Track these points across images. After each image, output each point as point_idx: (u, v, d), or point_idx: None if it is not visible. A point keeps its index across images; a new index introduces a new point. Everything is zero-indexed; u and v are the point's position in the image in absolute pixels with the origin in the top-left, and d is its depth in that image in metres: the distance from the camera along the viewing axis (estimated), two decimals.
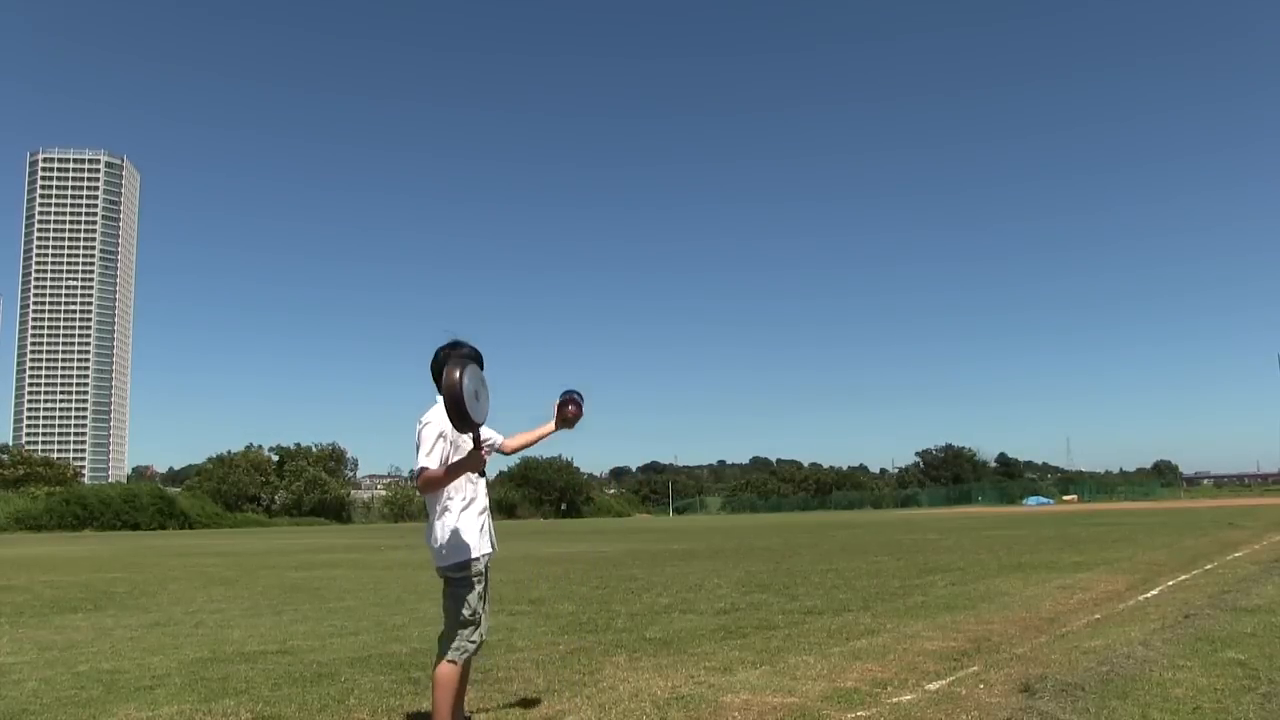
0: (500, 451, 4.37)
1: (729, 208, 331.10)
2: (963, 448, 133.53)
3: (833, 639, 6.92)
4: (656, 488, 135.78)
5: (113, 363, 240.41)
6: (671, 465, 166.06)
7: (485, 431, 3.95)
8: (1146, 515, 37.86)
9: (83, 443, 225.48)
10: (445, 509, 4.00)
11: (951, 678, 5.33)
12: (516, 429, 4.53)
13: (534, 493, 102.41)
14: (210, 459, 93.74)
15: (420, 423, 3.97)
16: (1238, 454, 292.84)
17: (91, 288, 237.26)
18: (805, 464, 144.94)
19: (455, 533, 3.98)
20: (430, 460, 3.88)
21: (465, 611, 3.99)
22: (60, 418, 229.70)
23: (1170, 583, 10.37)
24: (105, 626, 8.88)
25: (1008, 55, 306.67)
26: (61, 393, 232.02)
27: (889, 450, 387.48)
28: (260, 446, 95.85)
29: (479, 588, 4.02)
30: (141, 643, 7.67)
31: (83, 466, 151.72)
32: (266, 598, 11.53)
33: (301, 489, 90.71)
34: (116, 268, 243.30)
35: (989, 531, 26.17)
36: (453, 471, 3.88)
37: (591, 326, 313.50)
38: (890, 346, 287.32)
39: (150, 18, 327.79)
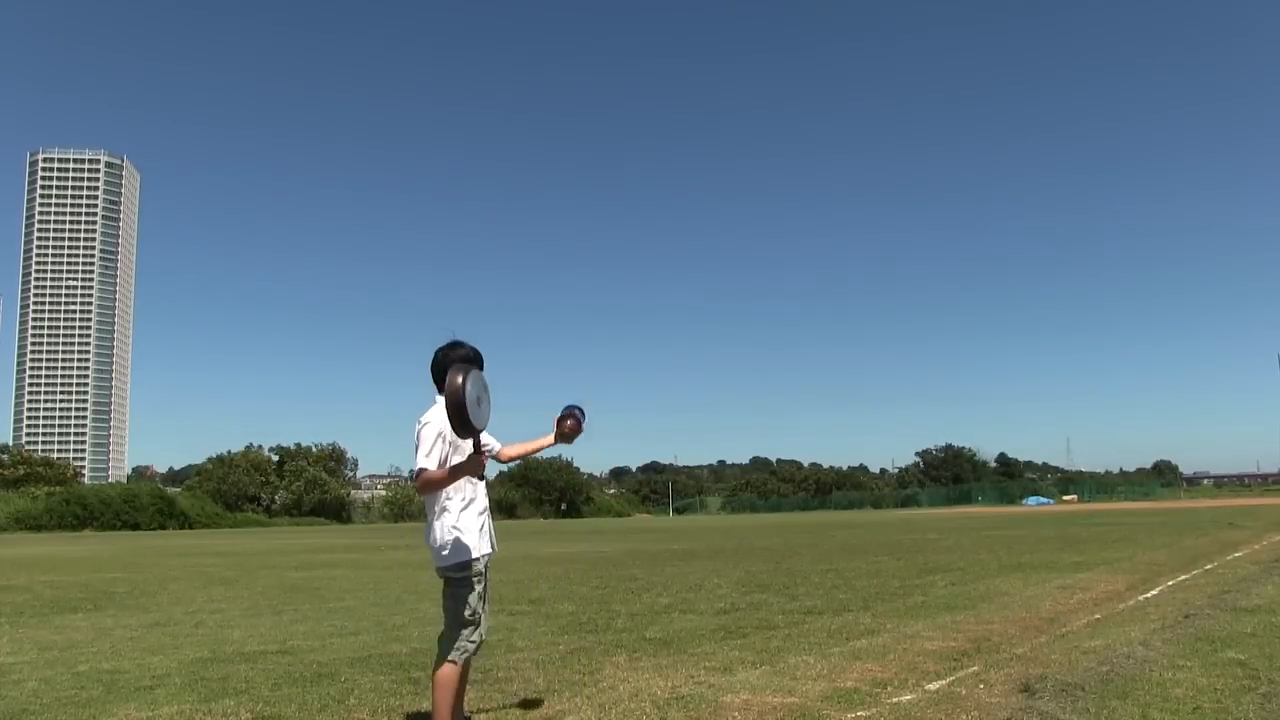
0: (496, 459, 4.36)
1: (729, 208, 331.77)
2: (963, 448, 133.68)
3: (833, 639, 6.92)
4: (656, 488, 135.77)
5: (113, 363, 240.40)
6: (671, 465, 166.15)
7: (484, 438, 3.95)
8: (1146, 515, 37.85)
9: (83, 443, 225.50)
10: (444, 509, 4.00)
11: (951, 678, 5.33)
12: (515, 429, 4.53)
13: (534, 493, 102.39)
14: (210, 459, 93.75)
15: (419, 423, 3.97)
16: (1238, 454, 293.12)
17: (91, 288, 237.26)
18: (805, 464, 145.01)
19: (455, 533, 3.98)
20: (429, 461, 3.88)
21: (465, 612, 3.99)
22: (60, 418, 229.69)
23: (1170, 583, 10.37)
24: (105, 626, 8.88)
25: (1008, 55, 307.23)
26: (61, 393, 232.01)
27: (889, 450, 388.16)
28: (260, 446, 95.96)
29: (479, 588, 4.02)
30: (141, 643, 7.67)
31: (83, 466, 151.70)
32: (266, 598, 11.53)
33: (301, 489, 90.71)
34: (116, 268, 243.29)
35: (989, 531, 26.17)
36: (452, 475, 3.88)
37: (591, 326, 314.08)
38: (890, 346, 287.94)
39: (150, 18, 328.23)
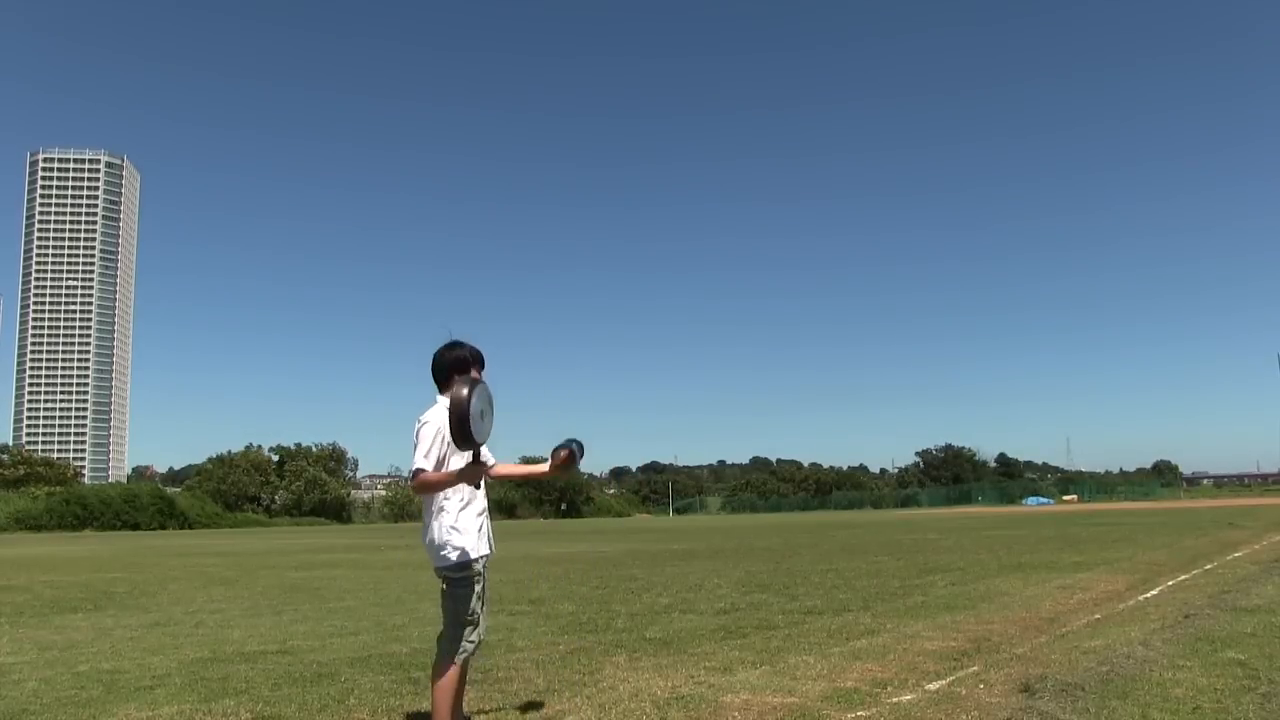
0: (486, 474, 4.36)
1: (729, 207, 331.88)
2: (963, 448, 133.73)
3: (833, 639, 6.92)
4: (656, 488, 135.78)
5: (113, 363, 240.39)
6: (671, 465, 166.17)
7: (482, 452, 3.95)
8: (1146, 515, 37.85)
9: (83, 443, 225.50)
10: (442, 509, 4.00)
11: (951, 678, 5.33)
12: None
13: (534, 493, 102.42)
14: (210, 459, 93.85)
15: (419, 422, 3.97)
16: (1238, 454, 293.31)
17: (91, 288, 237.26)
18: (805, 464, 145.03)
19: (453, 533, 3.98)
20: (427, 461, 3.87)
21: (464, 612, 3.99)
22: (60, 418, 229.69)
23: (1170, 583, 10.37)
24: (105, 626, 8.88)
25: (1008, 55, 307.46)
26: (61, 393, 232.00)
27: (889, 450, 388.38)
28: (260, 446, 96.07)
29: (477, 588, 4.02)
30: (141, 643, 7.66)
31: (83, 466, 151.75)
32: (266, 598, 11.53)
33: (301, 489, 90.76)
34: (116, 268, 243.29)
35: (989, 531, 26.17)
36: (450, 479, 3.88)
37: (591, 326, 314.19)
38: (890, 346, 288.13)
39: (150, 18, 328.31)
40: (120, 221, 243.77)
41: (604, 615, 8.79)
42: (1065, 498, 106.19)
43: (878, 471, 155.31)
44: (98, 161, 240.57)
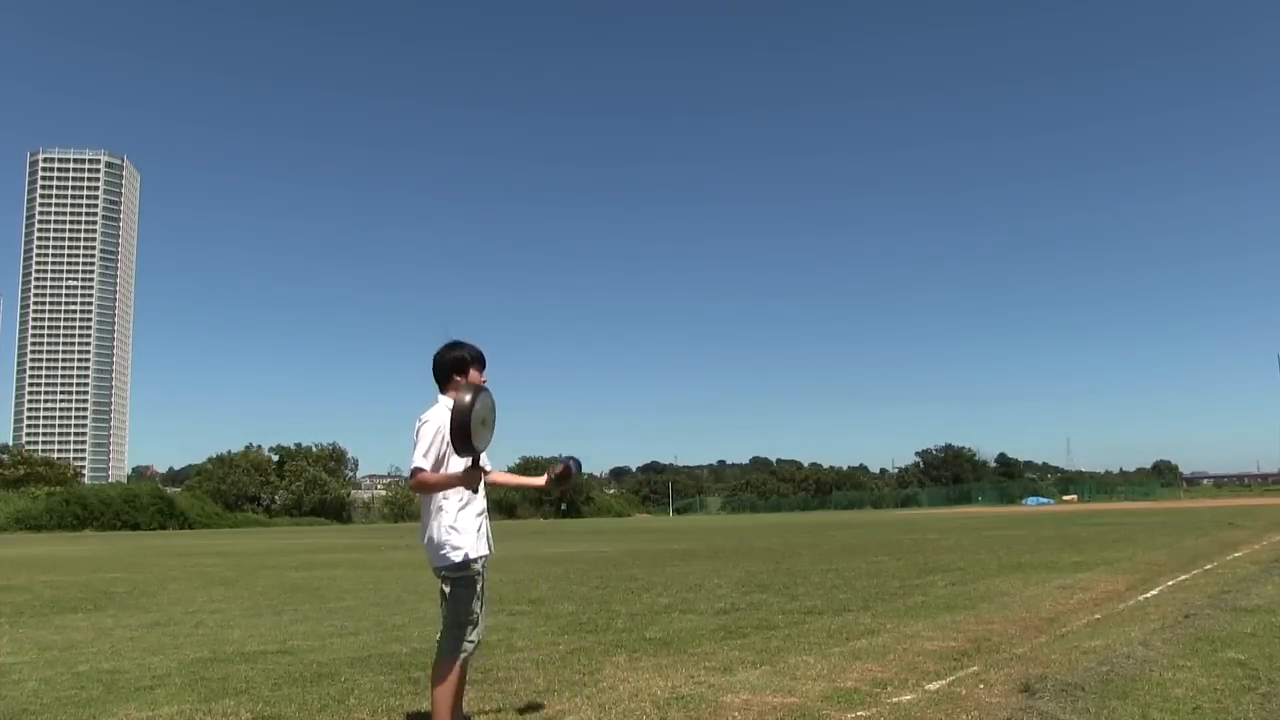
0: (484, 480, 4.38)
1: (729, 207, 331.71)
2: (963, 448, 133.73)
3: (833, 639, 6.92)
4: (656, 488, 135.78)
5: (113, 363, 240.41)
6: (671, 465, 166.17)
7: (481, 458, 3.96)
8: (1146, 515, 37.86)
9: (83, 443, 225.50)
10: (441, 509, 4.00)
11: (951, 678, 5.33)
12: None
13: (534, 493, 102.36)
14: (210, 459, 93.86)
15: (420, 421, 3.97)
16: (1238, 454, 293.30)
17: (91, 288, 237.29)
18: (805, 464, 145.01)
19: (451, 533, 3.97)
20: (426, 461, 3.87)
21: (463, 612, 3.98)
22: (60, 418, 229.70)
23: (1170, 583, 10.37)
24: (105, 626, 8.88)
25: (1008, 55, 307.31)
26: (61, 393, 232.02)
27: (889, 450, 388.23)
28: (260, 446, 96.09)
29: (476, 589, 4.02)
30: (141, 643, 7.67)
31: (83, 466, 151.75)
32: (266, 598, 11.53)
33: (301, 489, 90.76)
34: (116, 268, 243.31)
35: (989, 531, 26.17)
36: (447, 483, 3.88)
37: (591, 326, 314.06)
38: (890, 346, 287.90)
39: (150, 18, 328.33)
40: (120, 221, 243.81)
41: (604, 615, 8.79)
42: (1065, 498, 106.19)
43: (878, 471, 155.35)
44: (98, 161, 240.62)
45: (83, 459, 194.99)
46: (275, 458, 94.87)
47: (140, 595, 12.28)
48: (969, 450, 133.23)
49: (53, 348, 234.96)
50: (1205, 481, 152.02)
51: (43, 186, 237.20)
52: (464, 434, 3.60)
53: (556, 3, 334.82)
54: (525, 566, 16.04)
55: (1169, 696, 4.68)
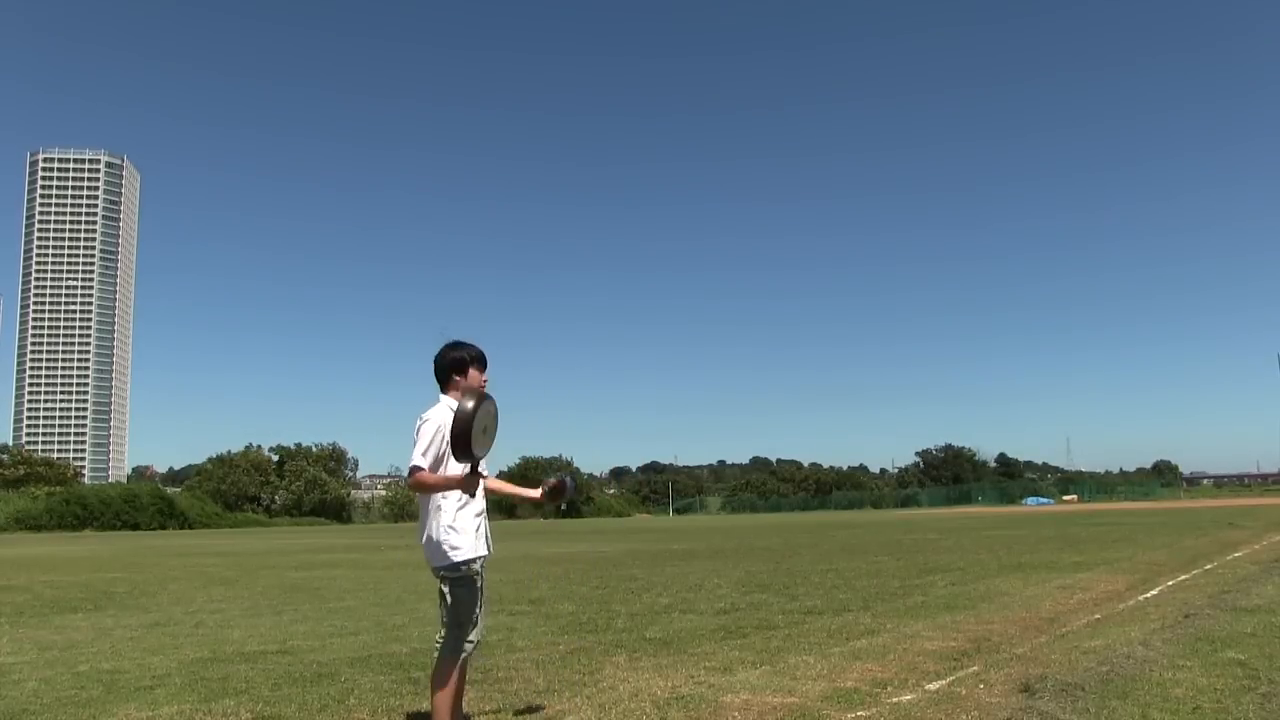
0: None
1: (729, 207, 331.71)
2: (963, 448, 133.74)
3: (833, 639, 6.92)
4: (656, 488, 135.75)
5: (113, 363, 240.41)
6: (671, 465, 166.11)
7: (480, 465, 3.96)
8: (1146, 515, 37.86)
9: (83, 443, 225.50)
10: (440, 508, 4.00)
11: (951, 678, 5.33)
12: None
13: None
14: (210, 459, 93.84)
15: (420, 419, 3.97)
16: (1238, 454, 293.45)
17: (91, 288, 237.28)
18: (805, 464, 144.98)
19: (450, 532, 3.97)
20: (425, 460, 3.87)
21: (461, 612, 3.98)
22: (60, 418, 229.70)
23: (1170, 583, 10.37)
24: (105, 626, 8.88)
25: (1008, 55, 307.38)
26: (61, 393, 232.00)
27: (889, 450, 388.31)
28: (260, 446, 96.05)
29: (475, 589, 4.01)
30: (141, 643, 7.67)
31: (83, 466, 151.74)
32: (266, 598, 11.53)
33: (301, 489, 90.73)
34: (116, 268, 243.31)
35: (989, 531, 26.17)
36: (444, 485, 3.88)
37: (591, 326, 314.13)
38: (890, 346, 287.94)
39: (150, 18, 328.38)
40: (120, 221, 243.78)
41: (604, 615, 8.79)
42: (1065, 498, 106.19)
43: (878, 471, 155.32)
44: (98, 161, 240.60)
45: (83, 459, 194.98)
46: (275, 458, 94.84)
47: (140, 595, 12.28)
48: (969, 450, 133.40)
49: (53, 348, 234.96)
50: (1205, 481, 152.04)
51: (43, 186, 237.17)
52: (464, 441, 3.62)
53: (556, 3, 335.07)
54: (525, 566, 16.04)
55: (1169, 696, 4.68)
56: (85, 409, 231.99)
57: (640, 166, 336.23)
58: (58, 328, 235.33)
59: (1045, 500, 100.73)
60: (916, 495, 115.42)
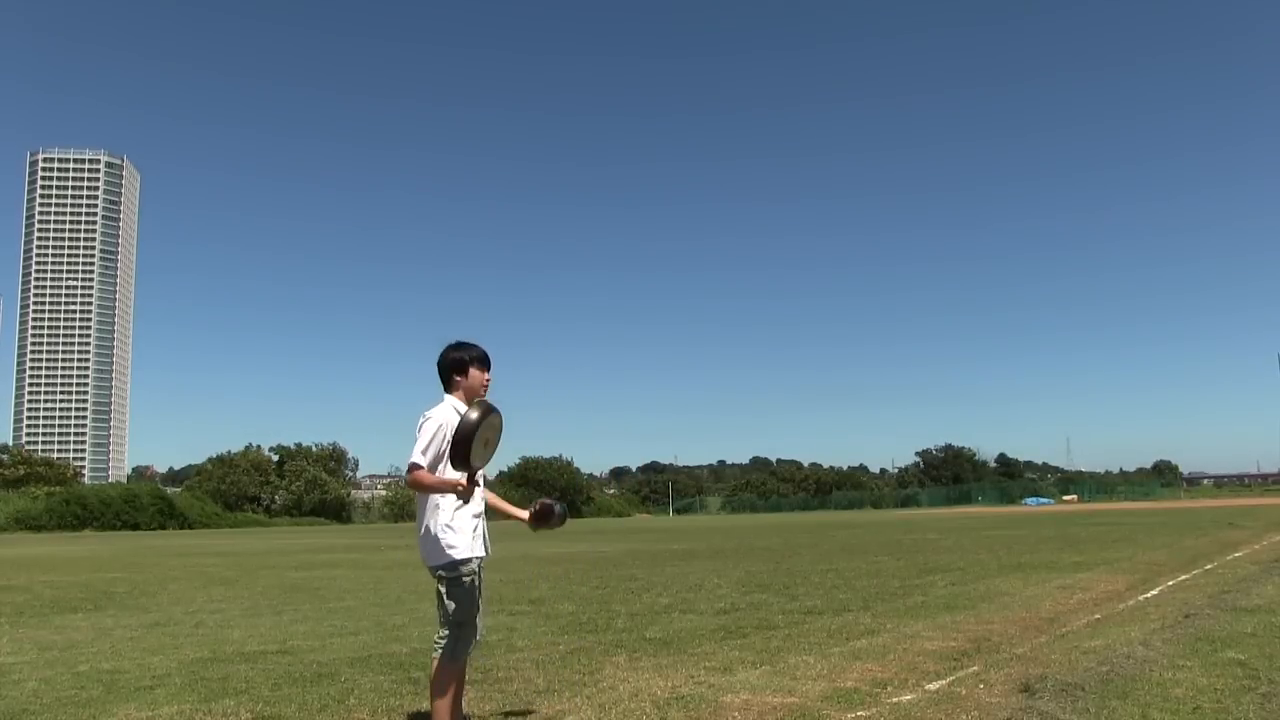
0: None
1: (729, 207, 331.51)
2: (963, 448, 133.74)
3: (833, 639, 6.92)
4: (656, 488, 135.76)
5: (113, 363, 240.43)
6: (671, 465, 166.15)
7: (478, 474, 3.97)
8: (1146, 515, 37.86)
9: (83, 443, 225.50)
10: (438, 506, 4.00)
11: (951, 678, 5.33)
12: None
13: (533, 492, 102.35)
14: (210, 459, 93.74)
15: (423, 417, 3.98)
16: (1238, 454, 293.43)
17: (91, 288, 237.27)
18: (805, 464, 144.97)
19: (447, 531, 3.97)
20: (424, 458, 3.87)
21: (459, 612, 3.98)
22: (60, 418, 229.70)
23: (1170, 583, 10.37)
24: (105, 626, 8.88)
25: (1008, 55, 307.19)
26: (61, 393, 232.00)
27: (889, 450, 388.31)
28: (260, 446, 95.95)
29: (472, 589, 4.01)
30: (141, 643, 7.67)
31: (83, 466, 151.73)
32: (266, 598, 11.54)
33: (301, 489, 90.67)
34: (116, 268, 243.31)
35: (989, 531, 26.17)
36: (441, 488, 3.88)
37: (591, 326, 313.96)
38: (890, 346, 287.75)
39: (150, 18, 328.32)
40: (120, 221, 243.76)
41: (604, 615, 8.79)
42: (1065, 498, 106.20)
43: (878, 471, 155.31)
44: (98, 161, 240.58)
45: (83, 459, 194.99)
46: (275, 458, 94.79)
47: (140, 595, 12.29)
48: (969, 450, 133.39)
49: (53, 348, 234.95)
50: (1205, 481, 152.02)
51: (43, 186, 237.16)
52: (463, 451, 3.65)
53: (556, 3, 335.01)
54: (525, 566, 16.04)
55: (1169, 696, 4.68)
56: (85, 409, 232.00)
57: (640, 166, 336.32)
58: (58, 328, 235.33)
59: (1045, 500, 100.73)
60: (916, 495, 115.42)
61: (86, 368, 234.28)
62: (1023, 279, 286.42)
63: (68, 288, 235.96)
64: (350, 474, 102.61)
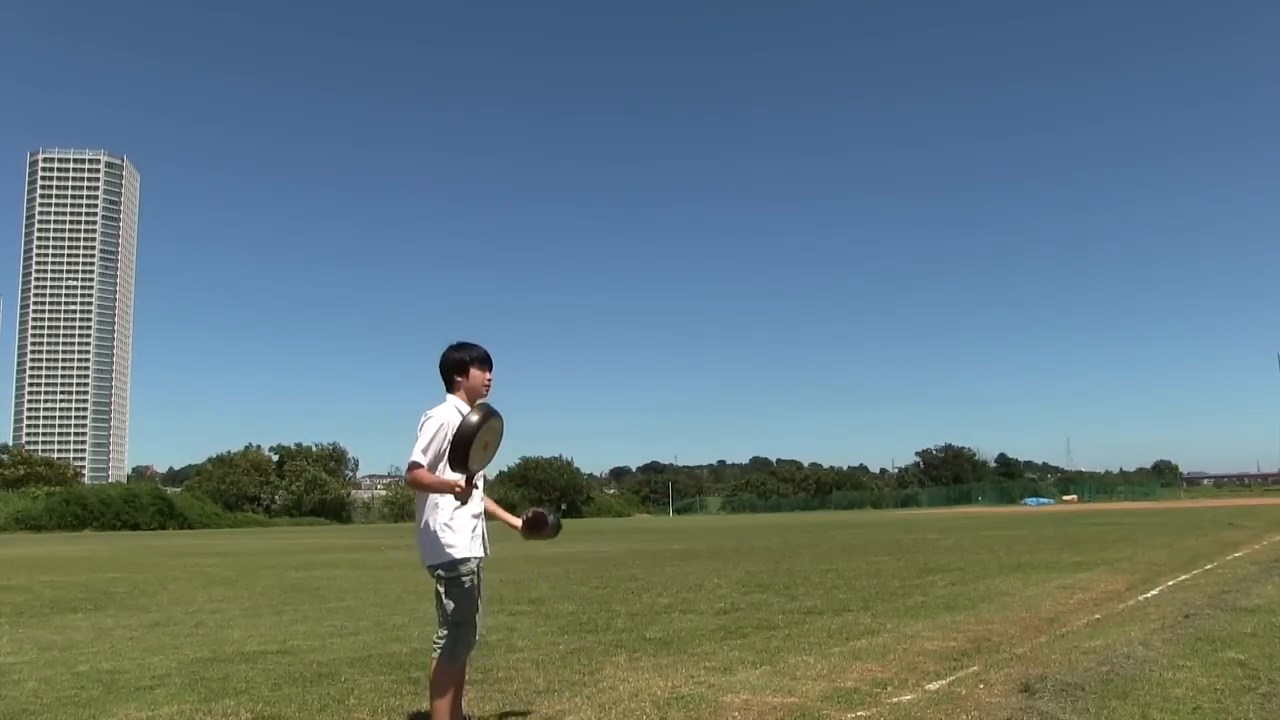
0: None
1: (729, 206, 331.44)
2: (963, 448, 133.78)
3: (833, 639, 6.92)
4: (656, 488, 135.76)
5: (113, 363, 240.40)
6: (671, 465, 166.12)
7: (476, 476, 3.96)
8: (1146, 515, 37.86)
9: (83, 443, 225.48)
10: (437, 505, 4.00)
11: (951, 678, 5.33)
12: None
13: (534, 492, 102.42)
14: (210, 459, 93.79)
15: (425, 416, 3.98)
16: (1238, 454, 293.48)
17: (91, 288, 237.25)
18: (805, 464, 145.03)
19: (446, 531, 3.97)
20: (424, 457, 3.87)
21: (458, 612, 3.98)
22: (60, 418, 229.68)
23: (1170, 583, 10.37)
24: (105, 626, 8.88)
25: (1008, 55, 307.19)
26: (61, 393, 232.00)
27: (889, 450, 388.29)
28: (260, 446, 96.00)
29: (471, 590, 4.01)
30: (141, 643, 7.67)
31: (83, 466, 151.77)
32: (266, 598, 11.54)
33: (301, 489, 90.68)
34: (116, 268, 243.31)
35: (989, 531, 26.17)
36: (439, 488, 3.87)
37: (591, 326, 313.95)
38: (890, 346, 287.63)
39: (150, 18, 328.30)
40: (120, 221, 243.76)
41: (604, 615, 8.79)
42: (1065, 498, 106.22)
43: (878, 471, 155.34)
44: (98, 161, 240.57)
45: (83, 459, 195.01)
46: (275, 458, 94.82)
47: (140, 595, 12.29)
48: (969, 450, 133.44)
49: (53, 348, 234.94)
50: (1205, 481, 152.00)
51: (43, 186, 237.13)
52: (462, 453, 3.65)
53: (556, 3, 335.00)
54: (525, 566, 16.04)
55: (1169, 696, 4.68)
56: (85, 409, 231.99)
57: (640, 166, 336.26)
58: (58, 328, 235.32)
59: (1045, 500, 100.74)
60: (916, 495, 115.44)
61: (86, 368, 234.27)
62: (1023, 279, 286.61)
63: (68, 288, 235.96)
64: (350, 474, 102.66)
